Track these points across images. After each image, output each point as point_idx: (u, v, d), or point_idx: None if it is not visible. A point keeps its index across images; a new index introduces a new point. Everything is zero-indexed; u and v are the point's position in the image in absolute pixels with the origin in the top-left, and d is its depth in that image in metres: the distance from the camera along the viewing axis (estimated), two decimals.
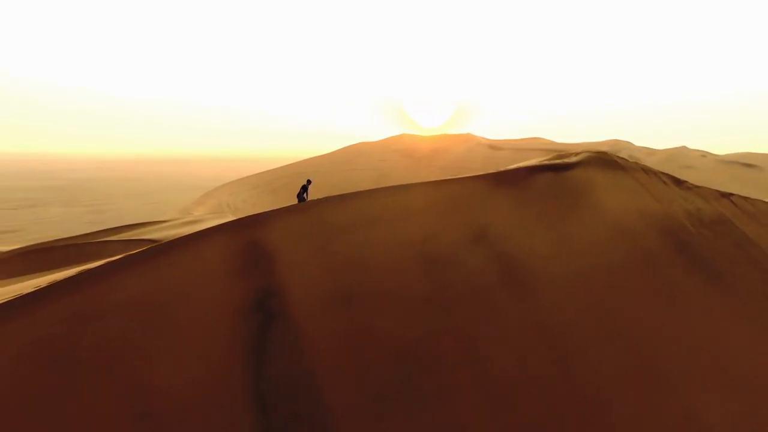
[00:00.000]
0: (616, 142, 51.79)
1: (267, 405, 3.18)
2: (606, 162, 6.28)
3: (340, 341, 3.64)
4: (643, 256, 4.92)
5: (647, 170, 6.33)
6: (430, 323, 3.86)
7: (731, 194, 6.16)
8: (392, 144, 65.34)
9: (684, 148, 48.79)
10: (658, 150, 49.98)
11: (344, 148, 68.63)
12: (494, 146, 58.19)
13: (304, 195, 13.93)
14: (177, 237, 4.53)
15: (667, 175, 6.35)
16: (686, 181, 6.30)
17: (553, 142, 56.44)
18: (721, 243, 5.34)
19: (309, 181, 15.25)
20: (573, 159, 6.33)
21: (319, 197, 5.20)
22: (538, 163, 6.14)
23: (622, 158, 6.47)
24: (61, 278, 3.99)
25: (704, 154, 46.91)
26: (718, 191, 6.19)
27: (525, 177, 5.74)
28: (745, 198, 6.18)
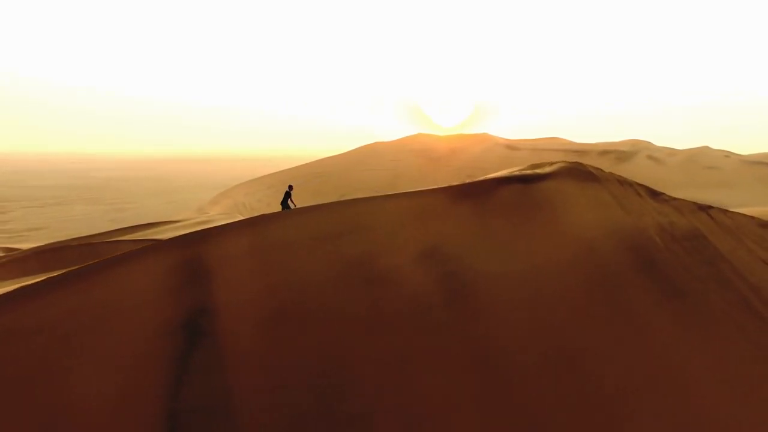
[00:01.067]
0: (636, 141, 50.67)
1: (178, 425, 3.15)
2: (580, 173, 6.09)
3: (263, 361, 3.60)
4: (603, 275, 4.74)
5: (623, 182, 6.12)
6: (358, 345, 3.78)
7: (710, 207, 5.91)
8: (408, 144, 65.12)
9: (706, 148, 47.45)
10: (680, 150, 48.74)
11: (359, 148, 68.72)
12: (511, 146, 57.52)
13: (289, 201, 13.96)
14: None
15: (644, 186, 6.13)
16: (663, 193, 6.06)
17: (571, 142, 55.50)
18: (690, 259, 5.11)
19: (291, 187, 15.38)
20: (546, 170, 6.16)
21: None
22: (508, 174, 5.99)
23: (598, 169, 6.27)
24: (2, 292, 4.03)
25: (727, 155, 45.54)
26: (695, 204, 5.94)
27: (490, 189, 5.61)
28: (725, 211, 5.91)
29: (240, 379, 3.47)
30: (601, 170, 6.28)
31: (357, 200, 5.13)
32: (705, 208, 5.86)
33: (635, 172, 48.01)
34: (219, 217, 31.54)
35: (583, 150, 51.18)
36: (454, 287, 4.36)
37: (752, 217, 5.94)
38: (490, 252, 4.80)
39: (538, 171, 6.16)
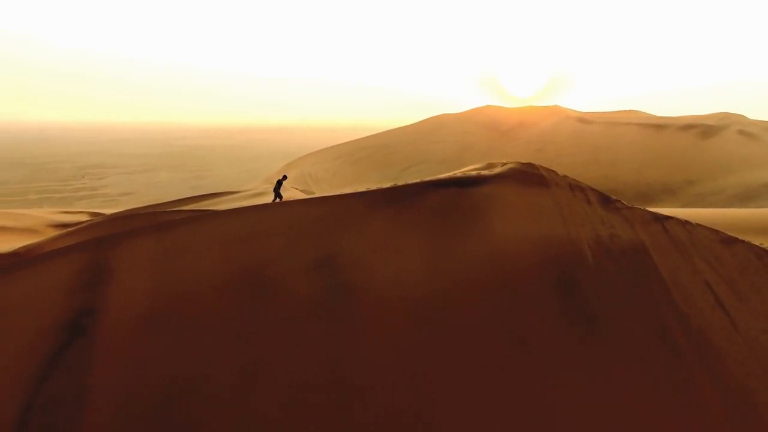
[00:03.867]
0: (727, 115, 45.68)
1: (30, 417, 3.52)
2: (527, 177, 5.74)
3: (129, 364, 3.88)
4: (511, 296, 4.52)
5: (575, 187, 5.68)
6: (221, 354, 3.95)
7: (668, 218, 5.33)
8: (475, 116, 63.33)
9: None
10: None
11: (426, 119, 67.91)
12: (584, 119, 54.20)
13: (280, 191, 14.29)
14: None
15: (597, 193, 5.64)
16: (618, 201, 5.55)
17: (649, 115, 51.20)
18: (619, 279, 4.70)
19: (284, 177, 15.74)
20: (493, 171, 5.87)
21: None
22: (447, 177, 5.78)
23: (551, 172, 5.86)
24: None
25: None
26: (653, 214, 5.38)
27: (418, 194, 5.46)
28: (685, 223, 5.30)
29: (101, 380, 3.78)
30: (555, 173, 5.86)
31: (264, 205, 5.24)
32: (662, 219, 5.30)
33: (723, 147, 43.49)
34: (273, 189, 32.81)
35: (662, 124, 47.20)
36: (338, 301, 4.38)
37: (717, 232, 5.29)
38: (394, 262, 4.73)
39: (483, 173, 5.89)
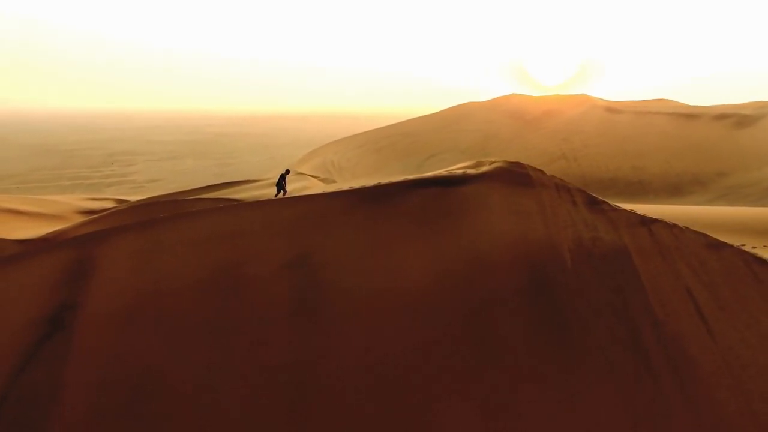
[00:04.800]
0: (765, 104, 43.72)
1: (5, 408, 3.71)
2: (513, 176, 5.66)
3: (101, 356, 4.04)
4: (480, 298, 4.51)
5: (561, 187, 5.58)
6: (189, 350, 4.07)
7: (656, 221, 5.18)
8: (500, 105, 62.33)
9: None
10: None
11: (451, 108, 67.19)
12: (612, 109, 52.74)
13: (284, 183, 14.39)
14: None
15: (585, 194, 5.52)
16: (604, 203, 5.42)
17: (681, 104, 49.43)
18: (596, 284, 4.62)
19: (288, 171, 15.83)
20: (478, 170, 5.81)
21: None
22: (430, 176, 5.76)
23: (539, 172, 5.77)
24: None
25: None
26: (640, 217, 5.24)
27: (399, 193, 5.47)
28: (672, 227, 5.14)
29: (76, 373, 3.95)
30: (542, 173, 5.76)
31: (243, 204, 5.31)
32: (648, 222, 5.15)
33: (758, 138, 41.74)
34: (294, 177, 33.19)
35: (694, 113, 45.56)
36: (308, 300, 4.45)
37: (705, 236, 5.12)
38: (363, 265, 4.76)
39: (469, 171, 5.84)
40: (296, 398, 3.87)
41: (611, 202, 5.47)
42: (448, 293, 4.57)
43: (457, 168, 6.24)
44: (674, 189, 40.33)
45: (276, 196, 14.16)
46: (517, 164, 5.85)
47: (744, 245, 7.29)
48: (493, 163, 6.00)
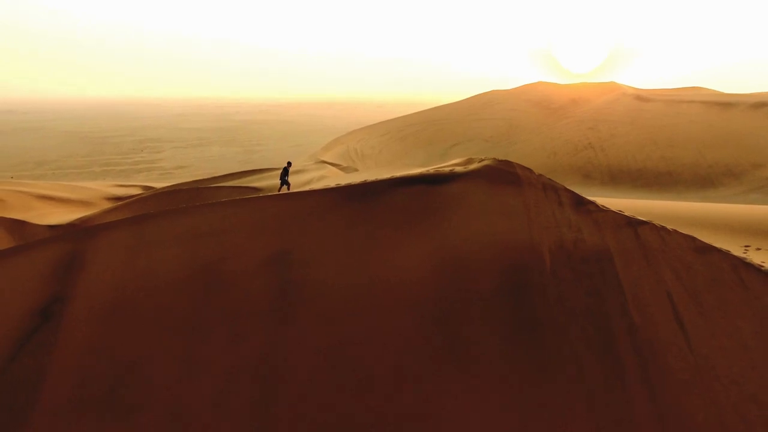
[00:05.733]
0: None
1: None
2: (501, 175, 5.61)
3: (85, 347, 4.24)
4: (454, 298, 4.53)
5: (549, 187, 5.50)
6: (167, 343, 4.23)
7: (643, 223, 5.06)
8: (526, 93, 61.21)
9: None
10: None
11: (475, 96, 66.37)
12: (642, 97, 51.14)
13: (286, 177, 14.49)
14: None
15: (572, 194, 5.43)
16: (591, 203, 5.32)
17: (716, 92, 47.54)
18: (574, 287, 4.57)
19: (289, 164, 15.92)
20: (466, 168, 5.78)
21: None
22: (417, 174, 5.76)
23: (527, 171, 5.69)
24: None
25: None
26: (627, 218, 5.12)
27: (384, 191, 5.49)
28: (660, 229, 5.01)
29: (61, 362, 4.16)
30: (531, 172, 5.69)
31: (230, 201, 5.42)
32: (635, 224, 5.03)
33: None
34: (313, 167, 33.52)
35: (729, 102, 43.80)
36: (286, 297, 4.55)
37: (693, 239, 4.97)
38: (342, 262, 4.83)
39: (457, 169, 5.81)
40: (267, 392, 3.99)
41: (599, 203, 5.37)
42: (424, 293, 4.60)
43: (445, 165, 6.22)
44: (705, 181, 39.03)
45: (279, 189, 14.33)
46: (506, 163, 5.79)
47: (749, 246, 7.06)
48: (482, 161, 5.95)
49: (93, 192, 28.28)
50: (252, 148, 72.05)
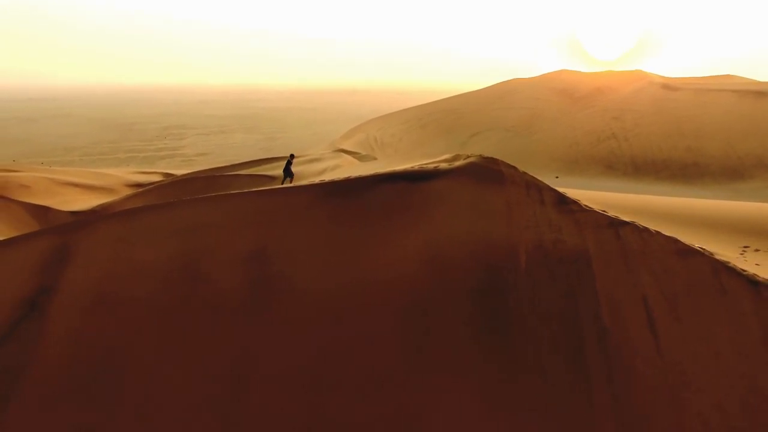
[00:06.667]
0: None
1: None
2: (485, 172, 5.57)
3: (68, 338, 4.42)
4: (424, 299, 4.55)
5: (532, 186, 5.43)
6: (146, 335, 4.38)
7: (625, 224, 4.96)
8: (549, 81, 60.01)
9: None
10: None
11: (497, 84, 65.43)
12: (670, 86, 49.60)
13: (290, 169, 14.57)
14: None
15: (555, 193, 5.34)
16: (575, 203, 5.23)
17: (751, 81, 45.77)
18: (548, 289, 4.53)
19: (292, 156, 16.05)
20: (451, 165, 5.75)
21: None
22: (400, 171, 5.76)
23: (512, 169, 5.63)
24: None
25: None
26: (609, 219, 5.03)
27: (366, 188, 5.51)
28: (642, 231, 4.90)
29: (44, 352, 4.35)
30: (515, 170, 5.62)
31: (214, 197, 5.52)
32: (617, 225, 4.95)
33: None
34: (328, 155, 33.64)
35: (764, 91, 42.21)
36: (260, 294, 4.64)
37: (676, 242, 4.85)
38: (319, 260, 4.89)
39: (441, 166, 5.79)
40: (235, 387, 4.11)
41: (583, 203, 5.29)
42: (398, 293, 4.64)
43: (430, 162, 6.20)
44: (734, 173, 37.84)
45: (283, 182, 14.47)
46: (491, 160, 5.74)
47: (748, 247, 6.86)
48: (468, 158, 5.91)
49: (115, 179, 28.98)
50: (273, 136, 72.59)
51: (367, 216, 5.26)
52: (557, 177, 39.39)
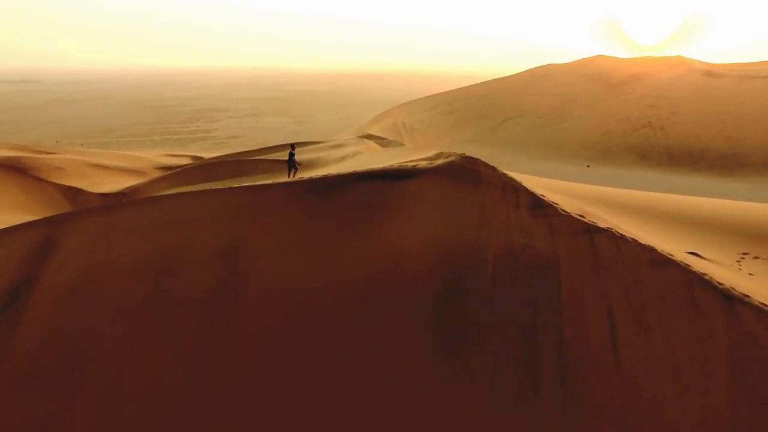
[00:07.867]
0: None
1: None
2: (462, 172, 5.49)
3: (45, 327, 4.64)
4: (382, 302, 4.57)
5: (509, 187, 5.32)
6: (118, 324, 4.56)
7: (603, 230, 4.80)
8: (583, 67, 58.13)
9: None
10: None
11: (530, 70, 63.84)
12: (711, 73, 47.33)
13: (294, 161, 14.58)
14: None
15: (532, 196, 5.20)
16: (552, 206, 5.09)
17: None
18: (511, 296, 4.46)
19: (293, 146, 16.03)
20: (431, 164, 5.70)
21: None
22: (377, 169, 5.74)
23: (490, 169, 5.53)
24: None
25: None
26: (585, 225, 4.87)
27: (342, 186, 5.53)
28: (618, 238, 4.73)
29: (22, 340, 4.58)
30: (494, 170, 5.51)
31: (195, 192, 5.63)
32: (592, 232, 4.79)
33: None
34: (352, 141, 33.66)
35: None
36: (230, 290, 4.75)
37: (651, 251, 4.65)
38: (288, 258, 4.96)
39: (421, 164, 5.74)
40: (194, 378, 4.24)
41: (560, 207, 5.16)
42: (362, 295, 4.66)
43: (411, 160, 6.15)
44: None
45: (288, 174, 14.57)
46: (470, 160, 5.65)
47: (747, 253, 6.57)
48: (449, 156, 5.83)
49: (145, 161, 29.79)
50: (303, 119, 73.02)
51: (342, 215, 5.29)
52: (588, 166, 38.37)
